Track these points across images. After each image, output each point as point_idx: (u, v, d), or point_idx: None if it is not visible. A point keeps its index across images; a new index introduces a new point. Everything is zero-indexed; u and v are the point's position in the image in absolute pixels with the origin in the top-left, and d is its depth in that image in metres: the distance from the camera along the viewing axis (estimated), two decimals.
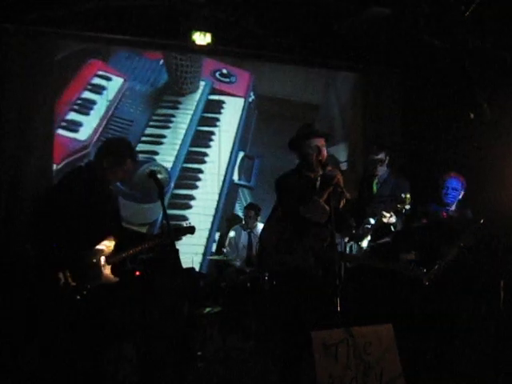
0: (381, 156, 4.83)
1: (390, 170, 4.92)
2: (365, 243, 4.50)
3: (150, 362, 3.88)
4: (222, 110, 7.60)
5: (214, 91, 7.54)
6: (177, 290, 4.29)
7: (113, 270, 3.52)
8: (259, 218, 6.48)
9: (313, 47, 6.82)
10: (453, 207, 4.84)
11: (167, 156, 7.29)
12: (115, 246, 3.58)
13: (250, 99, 7.67)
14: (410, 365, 3.56)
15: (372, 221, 4.61)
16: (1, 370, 3.58)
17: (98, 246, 3.50)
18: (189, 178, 7.31)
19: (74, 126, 6.79)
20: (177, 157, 7.32)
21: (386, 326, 3.33)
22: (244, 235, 6.52)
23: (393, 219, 4.42)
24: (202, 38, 6.31)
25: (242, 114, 7.66)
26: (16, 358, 3.48)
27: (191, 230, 4.03)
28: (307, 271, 3.60)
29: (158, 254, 5.08)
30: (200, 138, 7.44)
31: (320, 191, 3.61)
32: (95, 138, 6.83)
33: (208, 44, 6.36)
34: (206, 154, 7.42)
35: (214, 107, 7.55)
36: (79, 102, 6.92)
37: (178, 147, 7.36)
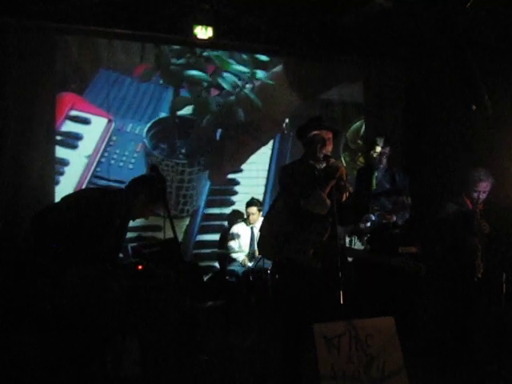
0: (385, 149, 4.84)
1: (388, 163, 4.92)
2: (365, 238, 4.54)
3: (153, 354, 3.89)
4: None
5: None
6: (179, 284, 4.30)
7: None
8: (261, 213, 6.47)
9: (315, 41, 6.80)
10: None
11: None
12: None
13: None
14: (413, 357, 3.58)
15: (373, 217, 4.62)
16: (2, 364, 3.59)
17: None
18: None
19: None
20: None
21: (388, 318, 3.33)
22: (246, 230, 6.52)
23: (394, 218, 4.51)
24: (203, 32, 6.29)
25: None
26: (17, 351, 3.50)
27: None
28: (305, 264, 3.60)
29: (160, 248, 5.10)
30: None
31: (323, 184, 3.61)
32: None
33: (210, 38, 6.35)
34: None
35: None
36: None
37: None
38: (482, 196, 4.66)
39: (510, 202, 5.20)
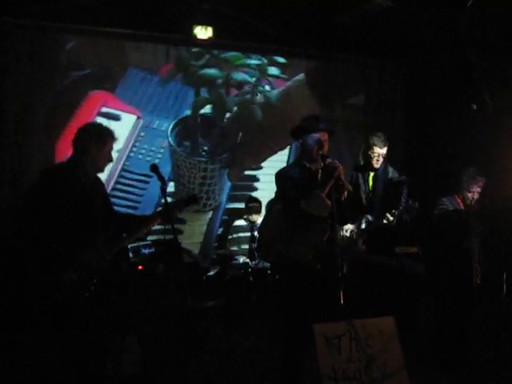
0: (384, 150, 4.81)
1: (385, 164, 4.89)
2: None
3: (153, 353, 3.90)
4: None
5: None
6: (179, 284, 4.30)
7: (115, 261, 3.43)
8: (261, 212, 6.47)
9: (314, 40, 6.80)
10: None
11: None
12: (111, 234, 3.43)
13: None
14: (414, 357, 3.58)
15: (370, 218, 4.62)
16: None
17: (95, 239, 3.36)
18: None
19: None
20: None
21: (388, 318, 3.33)
22: (246, 229, 6.51)
23: (394, 219, 4.50)
24: (203, 32, 6.28)
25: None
26: (18, 350, 3.50)
27: (194, 199, 3.76)
28: (305, 265, 3.59)
29: (161, 248, 5.10)
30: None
31: (322, 184, 3.60)
32: None
33: (209, 38, 6.34)
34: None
35: None
36: None
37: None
38: (475, 196, 4.65)
39: (510, 203, 5.19)
